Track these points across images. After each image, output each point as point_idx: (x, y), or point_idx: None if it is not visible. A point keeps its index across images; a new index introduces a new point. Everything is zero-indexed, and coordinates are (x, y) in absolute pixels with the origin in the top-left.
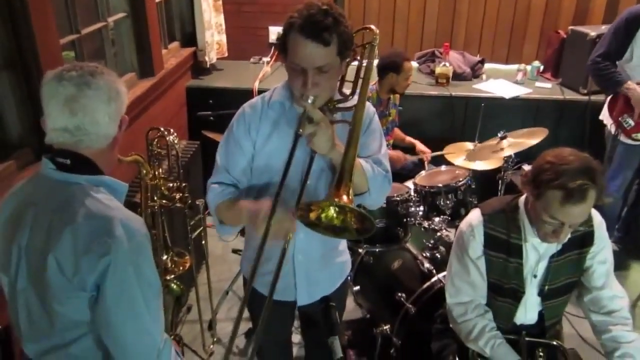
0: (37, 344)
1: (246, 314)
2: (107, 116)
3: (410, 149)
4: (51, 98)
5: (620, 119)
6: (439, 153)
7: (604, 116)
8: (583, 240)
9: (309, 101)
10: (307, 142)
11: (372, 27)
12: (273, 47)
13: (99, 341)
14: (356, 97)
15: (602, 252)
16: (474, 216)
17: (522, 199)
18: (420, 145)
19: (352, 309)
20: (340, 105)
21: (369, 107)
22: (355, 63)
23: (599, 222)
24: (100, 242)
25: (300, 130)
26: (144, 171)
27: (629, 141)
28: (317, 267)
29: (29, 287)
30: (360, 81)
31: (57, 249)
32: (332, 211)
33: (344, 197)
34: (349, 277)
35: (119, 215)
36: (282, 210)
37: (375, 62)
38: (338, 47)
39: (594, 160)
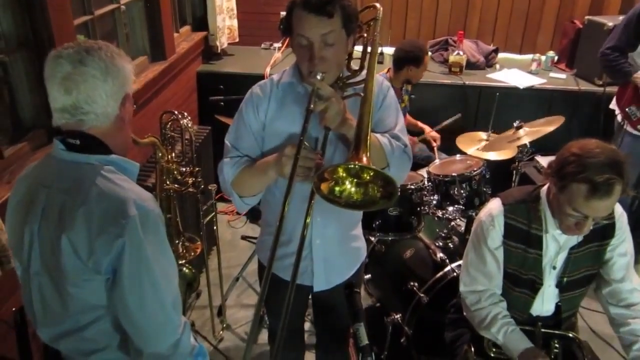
0: (51, 328)
1: (256, 300)
2: (104, 93)
3: (421, 134)
4: (49, 77)
5: (627, 109)
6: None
7: (615, 105)
8: (604, 232)
9: (318, 77)
10: (320, 120)
11: (376, 4)
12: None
13: (116, 324)
14: (365, 72)
15: (623, 244)
16: (495, 206)
17: (544, 189)
18: (429, 130)
19: (363, 297)
20: (350, 81)
21: (383, 82)
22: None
23: (620, 214)
24: (114, 223)
25: (312, 106)
26: (160, 154)
27: (636, 132)
28: (335, 251)
29: (42, 270)
30: (368, 56)
31: (70, 230)
32: (350, 178)
33: (364, 159)
34: (363, 264)
35: (133, 196)
36: (307, 149)
37: (391, 49)
38: (342, 19)
39: (621, 152)
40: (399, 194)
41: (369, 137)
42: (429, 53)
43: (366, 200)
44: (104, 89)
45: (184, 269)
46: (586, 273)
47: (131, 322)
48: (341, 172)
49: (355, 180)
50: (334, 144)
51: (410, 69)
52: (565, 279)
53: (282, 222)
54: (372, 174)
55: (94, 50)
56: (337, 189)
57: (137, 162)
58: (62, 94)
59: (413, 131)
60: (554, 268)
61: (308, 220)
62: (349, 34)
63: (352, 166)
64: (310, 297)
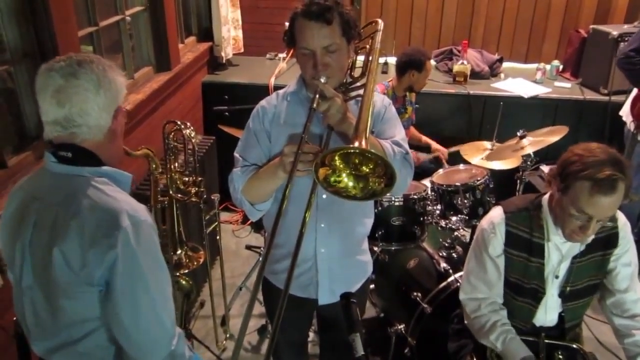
0: (45, 342)
1: (260, 310)
2: (97, 106)
3: (426, 149)
4: (41, 90)
5: None
6: (454, 149)
7: (625, 113)
8: (607, 241)
9: (322, 80)
10: (323, 119)
11: (378, 20)
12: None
13: (110, 337)
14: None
15: (627, 254)
16: (496, 214)
17: (546, 197)
18: (435, 145)
19: (366, 308)
20: (353, 86)
21: (384, 98)
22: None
23: (623, 223)
24: (107, 235)
25: (315, 105)
26: (154, 165)
27: None
28: (340, 262)
29: (34, 284)
30: (369, 63)
31: (62, 242)
32: (348, 170)
33: (363, 144)
34: (369, 279)
35: (125, 207)
36: (308, 145)
37: (394, 58)
38: (341, 26)
39: (622, 156)
40: (395, 173)
41: (367, 129)
42: (433, 62)
43: (367, 193)
44: (96, 102)
45: (181, 280)
46: (589, 283)
47: (124, 334)
48: (339, 162)
49: (354, 173)
50: (338, 144)
51: (412, 74)
52: (568, 289)
53: (280, 213)
54: (371, 164)
55: (86, 64)
56: (332, 178)
57: (138, 175)
58: (54, 107)
59: (418, 146)
60: (557, 277)
61: (307, 217)
62: (349, 41)
63: (351, 151)
64: (315, 311)
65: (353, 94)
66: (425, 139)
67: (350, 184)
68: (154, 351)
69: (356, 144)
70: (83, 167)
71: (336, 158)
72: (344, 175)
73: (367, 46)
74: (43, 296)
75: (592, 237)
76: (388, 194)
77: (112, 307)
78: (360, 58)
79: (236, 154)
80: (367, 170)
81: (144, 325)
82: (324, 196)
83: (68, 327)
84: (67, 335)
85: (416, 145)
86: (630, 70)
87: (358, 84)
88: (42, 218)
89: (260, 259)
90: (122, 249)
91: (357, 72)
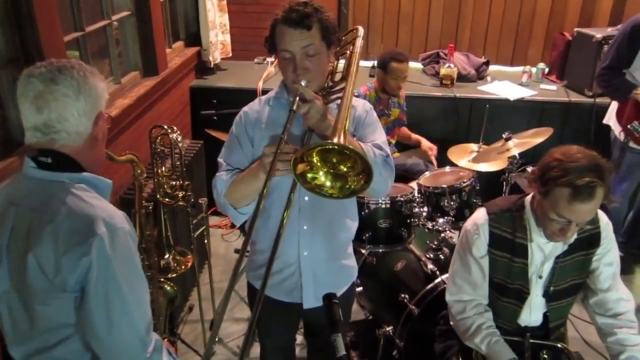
0: (22, 347)
1: (249, 314)
2: (76, 112)
3: (416, 147)
4: (21, 96)
5: (629, 126)
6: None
7: (611, 121)
8: (589, 241)
9: (303, 84)
10: (304, 121)
11: (358, 27)
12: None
13: (86, 344)
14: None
15: (609, 254)
16: (480, 215)
17: (528, 198)
18: (425, 142)
19: (355, 310)
20: (334, 89)
21: (365, 103)
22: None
23: (605, 224)
24: (81, 241)
25: (295, 107)
26: (139, 171)
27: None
28: (324, 265)
29: (11, 289)
30: (349, 66)
31: (37, 248)
32: (326, 168)
33: (341, 139)
34: (354, 284)
35: (101, 213)
36: (286, 145)
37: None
38: (321, 32)
39: (602, 158)
40: (369, 164)
41: (345, 127)
42: (420, 65)
43: (346, 192)
44: (76, 108)
45: (166, 286)
46: (572, 282)
47: (98, 341)
48: (317, 159)
49: (332, 172)
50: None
51: (379, 72)
52: (551, 288)
53: (258, 212)
54: (349, 162)
55: (66, 69)
56: (309, 175)
57: (116, 180)
58: (33, 113)
59: (408, 145)
60: (540, 277)
61: (286, 216)
62: (329, 46)
63: (329, 147)
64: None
65: (333, 97)
66: (415, 136)
67: (328, 183)
68: (127, 359)
69: (335, 140)
70: (62, 172)
71: (314, 155)
72: (321, 173)
73: (348, 52)
74: (19, 301)
75: (575, 237)
76: (374, 198)
77: (86, 314)
78: (343, 63)
79: (220, 160)
80: (345, 169)
81: (117, 332)
82: (306, 198)
83: (44, 332)
84: (43, 340)
85: (406, 144)
86: (605, 87)
87: (338, 87)
88: (19, 223)
89: (248, 263)
90: (97, 255)
91: (338, 78)
